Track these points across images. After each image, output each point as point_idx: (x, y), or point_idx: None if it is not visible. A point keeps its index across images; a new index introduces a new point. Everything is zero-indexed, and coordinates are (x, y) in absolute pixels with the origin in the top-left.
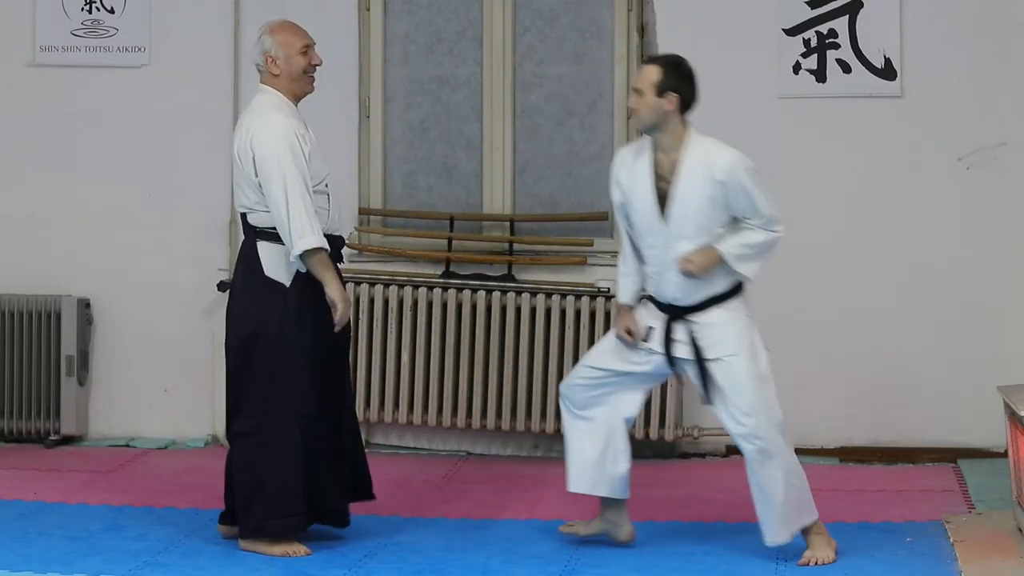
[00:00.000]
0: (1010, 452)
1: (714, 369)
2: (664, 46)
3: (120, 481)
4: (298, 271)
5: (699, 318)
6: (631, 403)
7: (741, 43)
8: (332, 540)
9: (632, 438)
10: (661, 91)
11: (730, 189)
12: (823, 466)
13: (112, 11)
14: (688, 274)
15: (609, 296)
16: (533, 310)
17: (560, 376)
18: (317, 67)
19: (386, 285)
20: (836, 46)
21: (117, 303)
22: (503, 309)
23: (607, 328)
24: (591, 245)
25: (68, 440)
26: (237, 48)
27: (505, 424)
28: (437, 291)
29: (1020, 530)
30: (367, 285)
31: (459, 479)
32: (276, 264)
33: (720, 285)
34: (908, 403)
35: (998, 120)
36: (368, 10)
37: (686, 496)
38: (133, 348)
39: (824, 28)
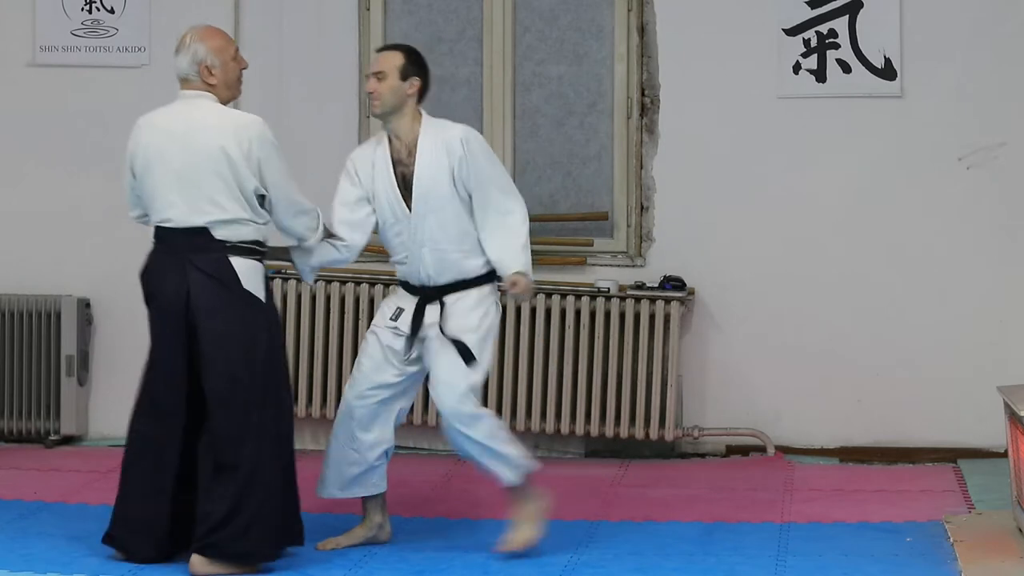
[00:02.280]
0: (1010, 452)
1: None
2: (664, 46)
3: None
4: (268, 286)
5: (451, 298)
6: (405, 406)
7: (741, 43)
8: None
9: (632, 438)
10: (405, 76)
11: (469, 158)
12: (823, 466)
13: (112, 11)
14: (517, 296)
15: (609, 296)
16: (533, 310)
17: (560, 376)
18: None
19: (386, 285)
20: (836, 46)
21: (117, 303)
22: (503, 309)
23: (607, 327)
24: (591, 245)
25: (68, 440)
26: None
27: (505, 424)
28: None
29: (1020, 530)
30: (367, 285)
31: (459, 479)
32: (254, 280)
33: (473, 267)
34: (908, 403)
35: (998, 120)
36: (368, 10)
37: (686, 496)
38: (133, 348)
39: (824, 28)
